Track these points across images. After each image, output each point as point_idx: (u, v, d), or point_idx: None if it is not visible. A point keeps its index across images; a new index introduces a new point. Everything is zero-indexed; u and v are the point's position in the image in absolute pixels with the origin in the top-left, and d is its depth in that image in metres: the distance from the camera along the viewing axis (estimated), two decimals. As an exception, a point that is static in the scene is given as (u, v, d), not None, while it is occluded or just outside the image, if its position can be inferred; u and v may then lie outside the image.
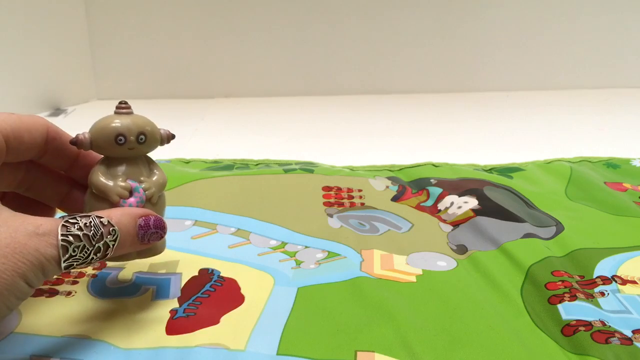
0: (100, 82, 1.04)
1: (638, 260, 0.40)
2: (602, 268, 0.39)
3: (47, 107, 0.94)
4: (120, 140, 0.30)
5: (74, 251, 0.26)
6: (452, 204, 0.50)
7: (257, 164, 0.61)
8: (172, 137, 0.34)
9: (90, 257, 0.27)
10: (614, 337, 0.31)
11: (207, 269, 0.39)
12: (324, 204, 0.50)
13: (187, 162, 0.61)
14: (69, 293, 0.36)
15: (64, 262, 0.26)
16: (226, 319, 0.34)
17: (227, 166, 0.59)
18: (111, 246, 0.28)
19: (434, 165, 0.59)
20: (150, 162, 0.34)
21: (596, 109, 0.95)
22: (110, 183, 0.31)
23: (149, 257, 0.33)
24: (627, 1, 1.07)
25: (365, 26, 1.05)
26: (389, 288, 0.37)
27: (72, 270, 0.38)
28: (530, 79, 1.11)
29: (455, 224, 0.47)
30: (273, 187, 0.53)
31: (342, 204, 0.50)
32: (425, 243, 0.44)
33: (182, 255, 0.41)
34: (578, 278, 0.38)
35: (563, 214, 0.48)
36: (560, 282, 0.37)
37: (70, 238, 0.26)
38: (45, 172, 0.35)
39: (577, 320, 0.33)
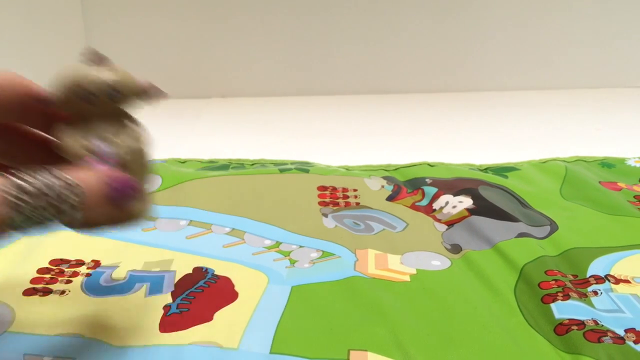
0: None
1: (632, 260, 0.40)
2: (596, 267, 0.39)
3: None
4: (87, 96, 0.26)
5: (19, 205, 0.21)
6: (447, 203, 0.50)
7: (252, 164, 0.61)
8: (157, 91, 0.28)
9: (45, 216, 0.22)
10: (607, 336, 0.31)
11: (201, 268, 0.39)
12: (319, 203, 0.50)
13: (183, 162, 0.61)
14: (62, 292, 0.36)
15: (9, 220, 0.21)
16: (219, 315, 0.34)
17: (223, 166, 0.59)
18: (72, 204, 0.23)
19: (429, 165, 0.59)
20: (129, 120, 0.28)
21: (592, 109, 0.95)
22: (72, 143, 0.26)
23: (128, 224, 0.28)
24: (622, 2, 1.07)
25: (361, 26, 1.05)
26: (383, 287, 0.37)
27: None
28: (525, 79, 1.11)
29: (450, 224, 0.47)
30: (268, 187, 0.53)
31: (337, 204, 0.50)
32: (419, 242, 0.44)
33: (176, 255, 0.41)
34: (571, 277, 0.38)
35: (557, 214, 0.48)
36: (553, 282, 0.37)
37: (14, 190, 0.21)
38: (22, 135, 0.30)
39: (569, 320, 0.33)
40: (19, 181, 0.22)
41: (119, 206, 0.26)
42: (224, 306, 0.35)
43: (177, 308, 0.34)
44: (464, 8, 1.05)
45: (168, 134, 0.79)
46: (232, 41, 1.04)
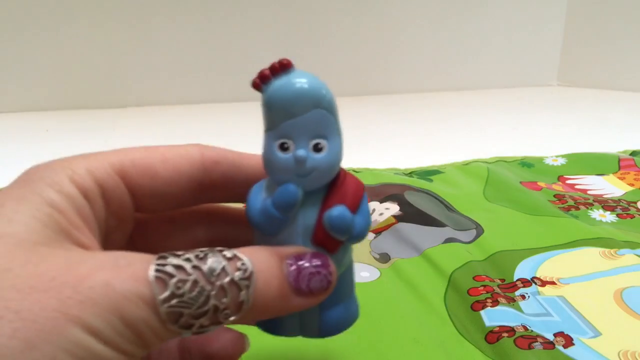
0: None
1: (556, 260, 0.41)
2: (522, 270, 0.39)
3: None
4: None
5: (178, 287, 0.16)
6: (373, 210, 0.49)
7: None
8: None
9: (209, 304, 0.17)
10: (537, 342, 0.31)
11: None
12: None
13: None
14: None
15: (164, 302, 0.16)
16: None
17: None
18: (244, 289, 0.17)
19: (354, 171, 0.58)
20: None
21: (508, 108, 0.98)
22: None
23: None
24: (533, 7, 1.11)
25: (275, 29, 1.04)
26: (311, 304, 0.35)
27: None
28: (445, 80, 1.13)
29: (378, 232, 0.46)
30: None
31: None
32: (347, 253, 0.43)
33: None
34: (499, 282, 0.38)
35: (482, 216, 0.48)
36: (482, 287, 0.37)
37: (170, 269, 0.16)
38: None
39: (500, 327, 0.33)
40: (172, 258, 0.17)
41: (307, 292, 0.20)
42: None
43: None
44: (382, 11, 1.06)
45: (79, 148, 0.74)
46: (147, 47, 1.00)
